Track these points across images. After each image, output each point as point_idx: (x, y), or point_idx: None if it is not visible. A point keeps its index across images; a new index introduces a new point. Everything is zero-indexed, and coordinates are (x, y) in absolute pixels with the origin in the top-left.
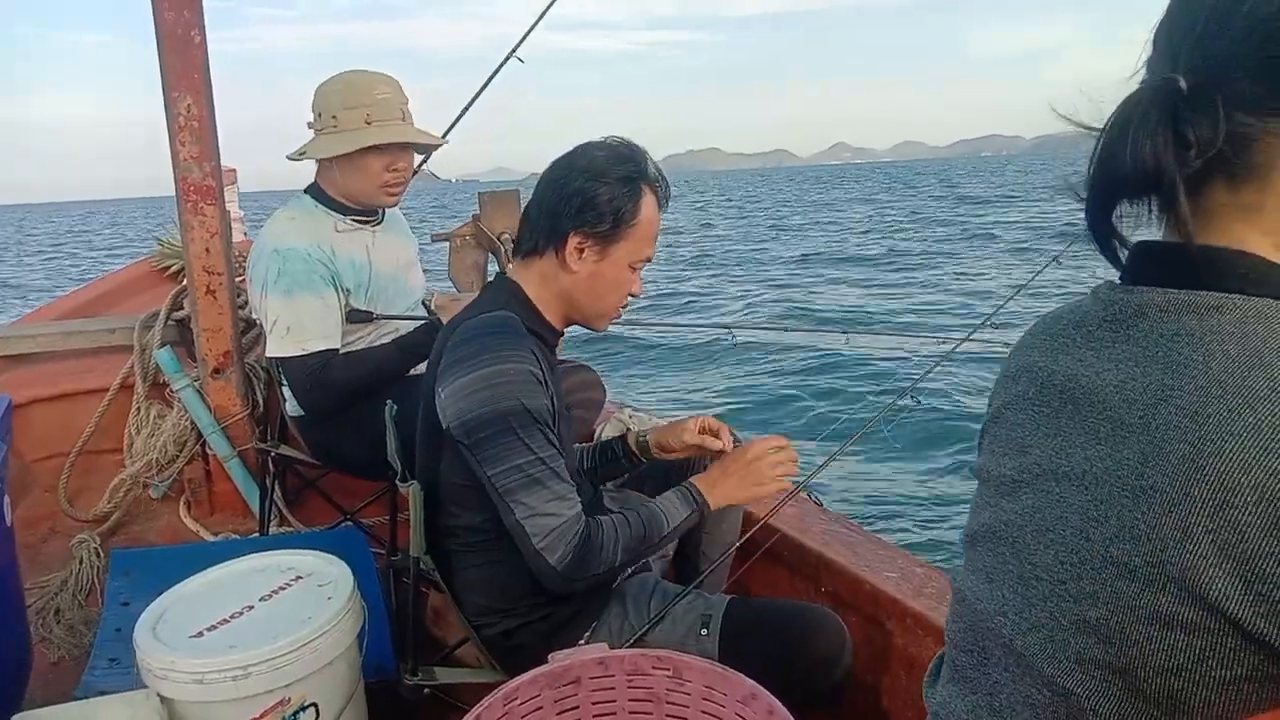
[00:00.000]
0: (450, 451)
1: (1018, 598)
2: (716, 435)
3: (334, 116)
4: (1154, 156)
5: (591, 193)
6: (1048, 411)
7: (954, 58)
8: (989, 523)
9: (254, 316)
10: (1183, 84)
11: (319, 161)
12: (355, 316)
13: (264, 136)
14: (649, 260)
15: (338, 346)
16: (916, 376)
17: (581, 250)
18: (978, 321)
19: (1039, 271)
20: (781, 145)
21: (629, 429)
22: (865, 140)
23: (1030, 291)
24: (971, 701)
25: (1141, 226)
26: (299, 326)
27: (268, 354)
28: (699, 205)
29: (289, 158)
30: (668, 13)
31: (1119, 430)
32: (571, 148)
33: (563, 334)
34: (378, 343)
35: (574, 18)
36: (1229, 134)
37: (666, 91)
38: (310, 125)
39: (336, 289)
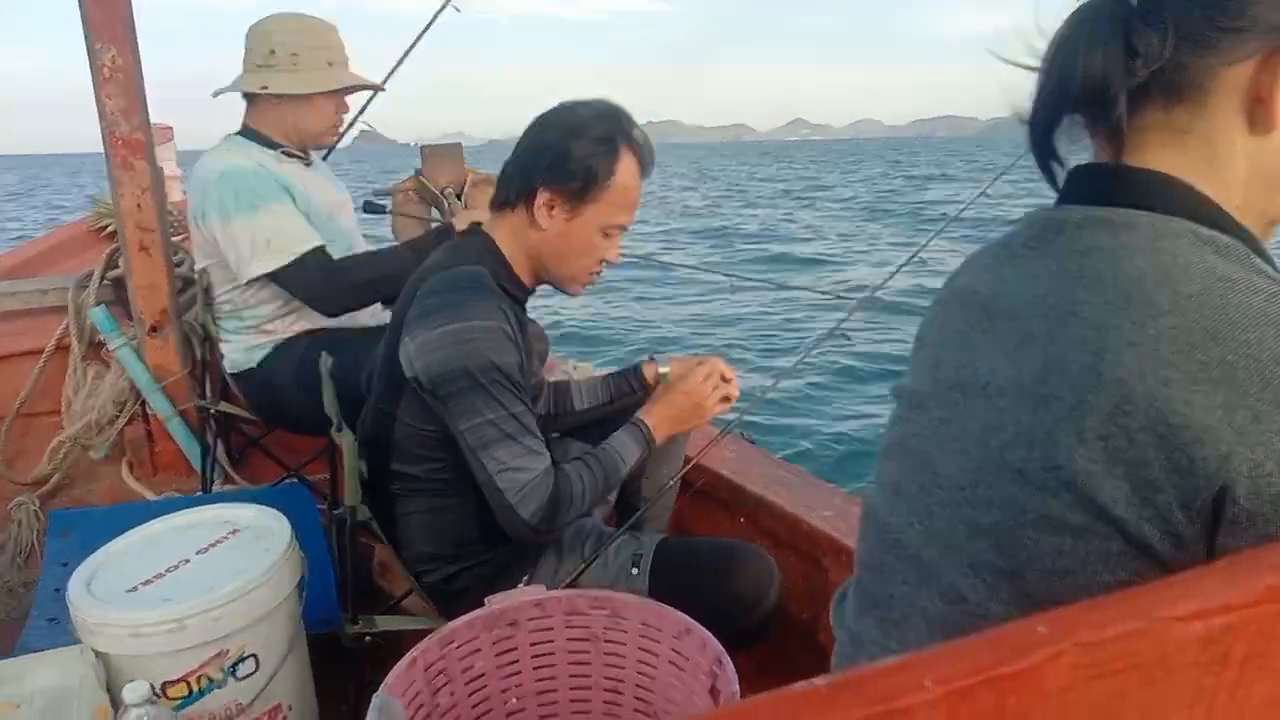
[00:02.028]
0: (411, 397)
1: (921, 507)
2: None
3: (294, 54)
4: (1102, 64)
5: (565, 149)
6: (963, 328)
7: (914, 38)
8: (898, 436)
9: (196, 268)
10: None
11: (257, 99)
12: (371, 206)
13: (217, 89)
14: (624, 228)
15: (323, 243)
16: (844, 314)
17: (551, 207)
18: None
19: (969, 203)
20: (741, 120)
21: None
22: (823, 117)
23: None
24: (873, 617)
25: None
26: (279, 233)
27: (253, 275)
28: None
29: (244, 90)
30: None
31: (1025, 342)
32: (559, 104)
33: (533, 291)
34: None
35: None
36: (1174, 50)
37: (625, 61)
38: (256, 61)
39: (294, 201)
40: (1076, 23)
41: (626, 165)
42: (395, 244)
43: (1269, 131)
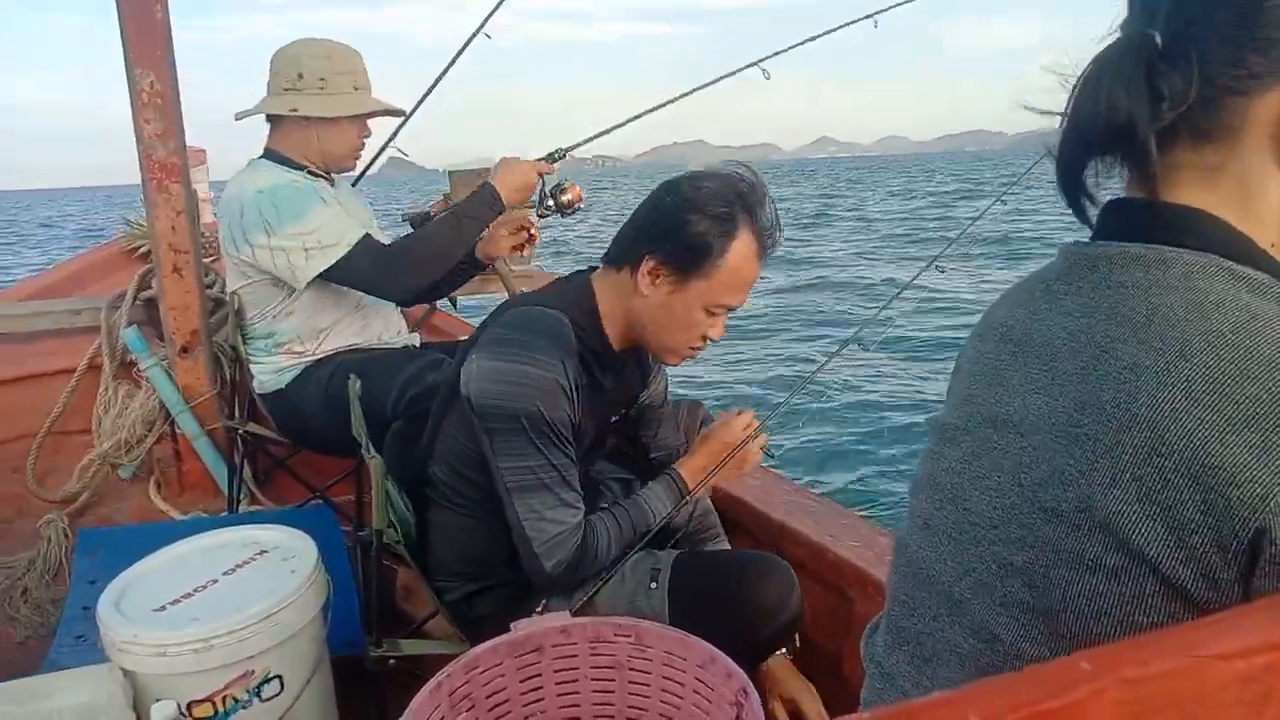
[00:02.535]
0: (459, 411)
1: (952, 543)
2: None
3: (322, 79)
4: (1126, 107)
5: (679, 220)
6: (997, 363)
7: (941, 53)
8: (931, 471)
9: (229, 290)
10: (1158, 39)
11: (282, 122)
12: (416, 219)
13: (250, 124)
14: (731, 309)
15: (368, 231)
16: (864, 319)
17: (656, 276)
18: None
19: (988, 207)
20: (767, 139)
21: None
22: (850, 134)
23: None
24: (905, 652)
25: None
26: (328, 232)
27: (310, 277)
28: None
29: (272, 112)
30: (651, 4)
31: (1059, 379)
32: (689, 170)
33: (619, 353)
34: (364, 328)
35: (556, 9)
36: (1200, 91)
37: (652, 83)
38: (283, 85)
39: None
40: (1100, 64)
41: (742, 246)
42: (440, 215)
43: None
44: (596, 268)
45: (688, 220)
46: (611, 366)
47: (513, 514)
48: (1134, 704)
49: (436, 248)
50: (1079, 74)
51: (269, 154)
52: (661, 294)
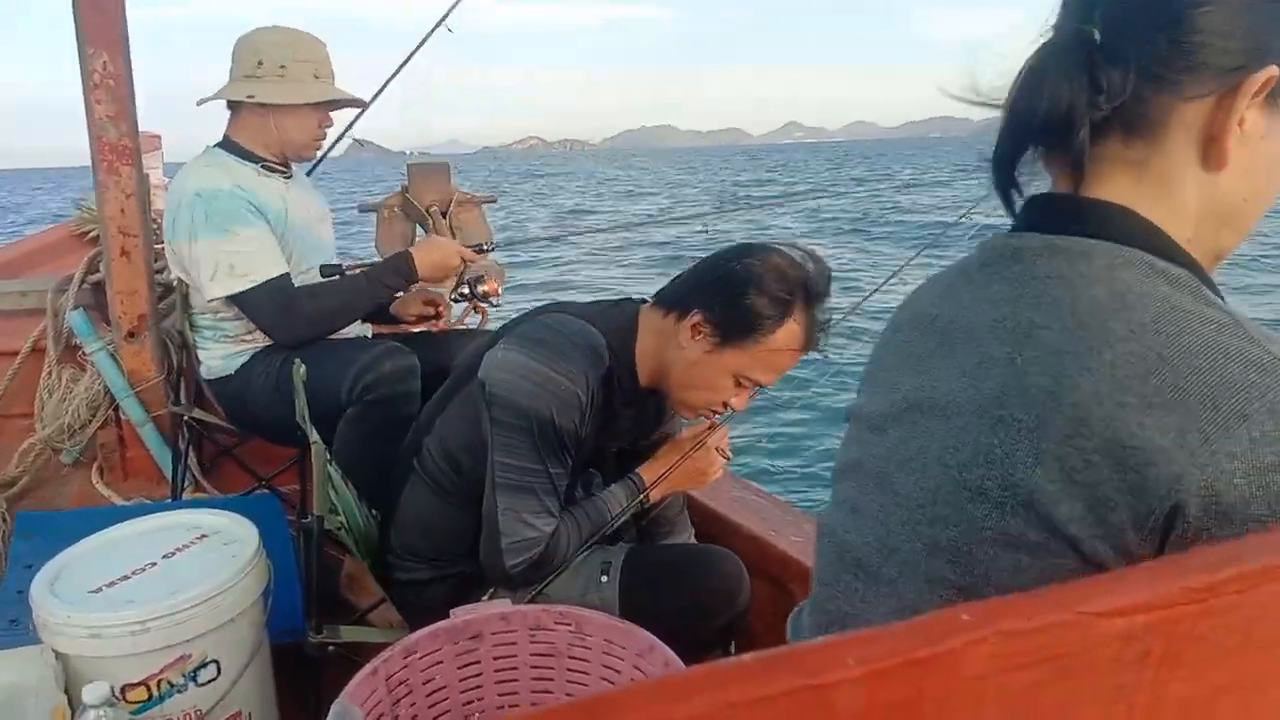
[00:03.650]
0: (469, 393)
1: (879, 526)
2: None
3: (282, 66)
4: (1069, 98)
5: (739, 290)
6: (922, 351)
7: (906, 40)
8: (856, 457)
9: (173, 276)
10: (1096, 35)
11: (241, 109)
12: (327, 271)
13: (211, 107)
14: (759, 385)
15: (288, 270)
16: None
17: (698, 332)
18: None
19: (968, 210)
20: (735, 124)
21: None
22: (818, 120)
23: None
24: (831, 634)
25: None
26: (245, 259)
27: (212, 296)
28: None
29: (229, 98)
30: None
31: (984, 364)
32: (767, 243)
33: (641, 390)
34: None
35: None
36: (1135, 87)
37: (621, 66)
38: (243, 71)
39: (268, 224)
40: (1042, 58)
41: (789, 333)
42: (355, 270)
43: (1221, 169)
44: (646, 301)
45: (746, 292)
46: (632, 399)
47: (491, 504)
48: (1010, 656)
49: (339, 307)
50: (1019, 68)
51: (225, 142)
52: (697, 350)
